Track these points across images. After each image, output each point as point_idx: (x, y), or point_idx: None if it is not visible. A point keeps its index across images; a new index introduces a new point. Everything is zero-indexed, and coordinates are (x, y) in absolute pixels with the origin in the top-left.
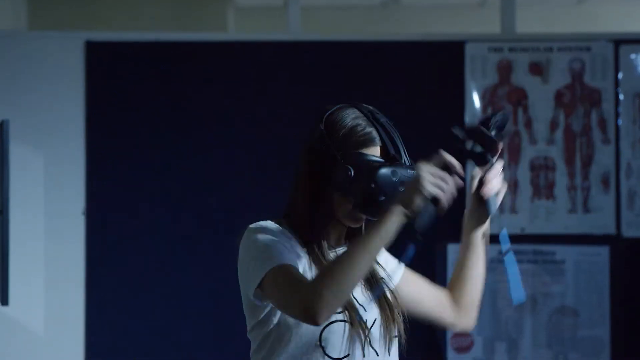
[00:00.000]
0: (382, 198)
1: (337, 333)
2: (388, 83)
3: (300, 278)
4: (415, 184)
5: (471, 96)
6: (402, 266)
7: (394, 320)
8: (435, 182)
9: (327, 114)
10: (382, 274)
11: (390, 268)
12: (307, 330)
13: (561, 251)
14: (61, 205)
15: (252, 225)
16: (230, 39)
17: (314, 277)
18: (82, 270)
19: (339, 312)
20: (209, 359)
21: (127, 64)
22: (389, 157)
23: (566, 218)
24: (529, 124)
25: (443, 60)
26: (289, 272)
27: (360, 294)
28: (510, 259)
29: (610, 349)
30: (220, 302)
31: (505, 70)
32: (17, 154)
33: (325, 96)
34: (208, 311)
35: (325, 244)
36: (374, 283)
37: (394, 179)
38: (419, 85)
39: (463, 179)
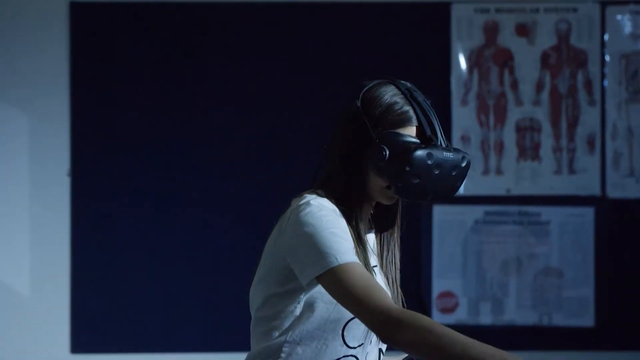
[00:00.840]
0: (417, 181)
1: (362, 325)
2: (374, 45)
3: (384, 291)
4: None
5: (457, 58)
6: None
7: (397, 302)
8: None
9: (365, 90)
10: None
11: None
12: (334, 317)
13: (546, 212)
14: (46, 166)
15: (313, 202)
16: (219, 0)
17: (417, 315)
18: (68, 231)
19: None
20: (194, 320)
21: (112, 25)
22: (425, 138)
23: (551, 179)
24: (514, 85)
25: (429, 21)
26: (370, 279)
27: (381, 282)
28: None
29: (594, 309)
30: (207, 261)
31: (491, 31)
32: (1, 114)
33: (308, 59)
34: (194, 272)
35: (361, 223)
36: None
37: (429, 161)
38: (404, 47)
39: None
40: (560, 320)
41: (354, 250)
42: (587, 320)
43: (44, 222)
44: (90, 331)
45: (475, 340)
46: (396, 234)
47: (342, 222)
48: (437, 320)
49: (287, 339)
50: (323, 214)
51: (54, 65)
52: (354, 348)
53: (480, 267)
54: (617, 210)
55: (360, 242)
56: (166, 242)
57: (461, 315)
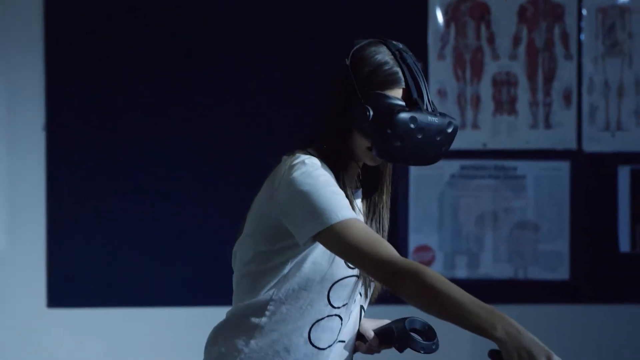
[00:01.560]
0: (398, 144)
1: (348, 286)
2: (352, 0)
3: (388, 243)
4: (538, 350)
5: (434, 12)
6: None
7: None
8: None
9: (355, 48)
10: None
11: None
12: (321, 278)
13: (522, 166)
14: (21, 120)
15: (307, 161)
16: None
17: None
18: (43, 186)
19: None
20: (172, 274)
21: None
22: (411, 101)
23: (528, 133)
24: (491, 39)
25: None
26: (371, 232)
27: None
28: None
29: (569, 263)
30: (186, 214)
31: None
32: None
33: (280, 19)
34: (172, 225)
35: (347, 182)
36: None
37: (412, 125)
38: (382, 1)
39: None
40: (535, 273)
41: (350, 207)
42: (562, 273)
43: (20, 176)
44: (67, 285)
45: (471, 299)
46: (385, 196)
47: (334, 181)
48: None
49: (273, 297)
50: (319, 173)
51: (29, 17)
52: (338, 308)
53: (456, 221)
54: (593, 164)
55: (350, 201)
56: (144, 194)
57: (437, 269)
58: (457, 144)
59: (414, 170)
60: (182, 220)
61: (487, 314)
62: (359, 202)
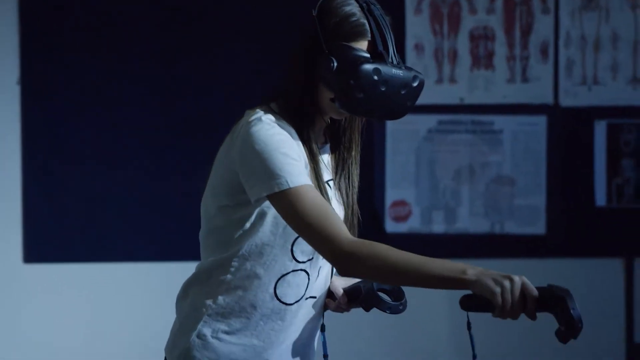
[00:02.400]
0: (361, 95)
1: None
2: None
3: (338, 219)
4: (497, 279)
5: None
6: None
7: (353, 222)
8: (505, 294)
9: (323, 0)
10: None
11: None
12: (283, 232)
13: (499, 121)
14: None
15: (264, 117)
16: None
17: (367, 241)
18: (18, 139)
19: None
20: (146, 229)
21: None
22: (376, 53)
23: (505, 88)
24: None
25: None
26: (322, 204)
27: (334, 197)
28: None
29: (545, 217)
30: (158, 169)
31: None
32: None
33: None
34: (145, 180)
35: (313, 136)
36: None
37: (375, 77)
38: None
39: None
40: (511, 228)
41: (306, 172)
42: (539, 227)
43: None
44: (43, 240)
45: (430, 259)
46: (354, 152)
47: (293, 142)
48: (390, 229)
49: (237, 252)
50: (274, 132)
51: None
52: (303, 262)
53: (433, 176)
54: (569, 119)
55: (312, 156)
56: (119, 149)
57: (414, 223)
58: (434, 99)
59: (390, 125)
60: (155, 175)
61: (451, 265)
62: (326, 158)
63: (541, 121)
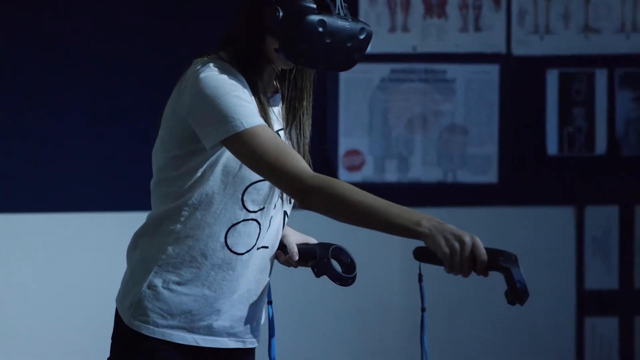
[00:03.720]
0: (305, 46)
1: (262, 190)
2: None
3: (297, 155)
4: (448, 237)
5: None
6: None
7: None
8: (455, 252)
9: None
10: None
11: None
12: (233, 181)
13: (452, 70)
14: None
15: (212, 64)
16: None
17: (328, 178)
18: None
19: None
20: (97, 176)
21: None
22: (322, 5)
23: (457, 37)
24: None
25: None
26: (279, 142)
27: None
28: None
29: (497, 166)
30: (111, 117)
31: None
32: None
33: None
34: (98, 132)
35: (261, 85)
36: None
37: (320, 28)
38: None
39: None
40: (464, 176)
41: (259, 114)
42: (491, 176)
43: None
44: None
45: (390, 205)
46: (305, 102)
47: (242, 87)
48: (344, 178)
49: (187, 202)
50: (224, 77)
51: None
52: (255, 212)
53: (386, 125)
54: (522, 68)
55: (260, 106)
56: (75, 98)
57: (367, 173)
58: (387, 48)
59: (344, 75)
60: (108, 125)
61: (407, 214)
62: (277, 109)
63: (493, 70)
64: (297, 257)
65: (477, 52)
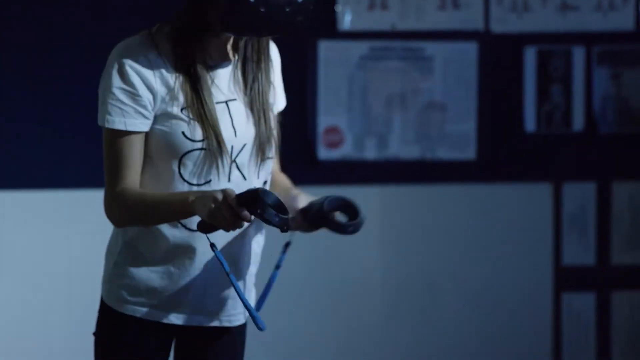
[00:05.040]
0: (241, 18)
1: (193, 159)
2: None
3: (129, 171)
4: (206, 201)
5: None
6: (283, 101)
7: (269, 142)
8: (214, 212)
9: None
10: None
11: (278, 93)
12: (166, 156)
13: (430, 47)
14: None
15: (123, 51)
16: None
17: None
18: None
19: (199, 141)
20: (77, 153)
21: None
22: None
23: (436, 14)
24: None
25: None
26: (123, 152)
27: (242, 116)
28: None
29: (476, 143)
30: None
31: None
32: None
33: None
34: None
35: (201, 57)
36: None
37: (251, 0)
38: None
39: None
40: (442, 154)
41: (149, 113)
42: (469, 153)
43: None
44: None
45: (166, 197)
46: (263, 64)
47: (142, 79)
48: (323, 156)
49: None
50: (118, 71)
51: None
52: (199, 185)
53: (365, 103)
54: (500, 45)
55: (195, 78)
56: (50, 73)
57: (346, 150)
58: (365, 25)
59: (322, 52)
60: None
61: (178, 197)
62: (226, 76)
63: (472, 47)
64: (300, 218)
65: (456, 29)
